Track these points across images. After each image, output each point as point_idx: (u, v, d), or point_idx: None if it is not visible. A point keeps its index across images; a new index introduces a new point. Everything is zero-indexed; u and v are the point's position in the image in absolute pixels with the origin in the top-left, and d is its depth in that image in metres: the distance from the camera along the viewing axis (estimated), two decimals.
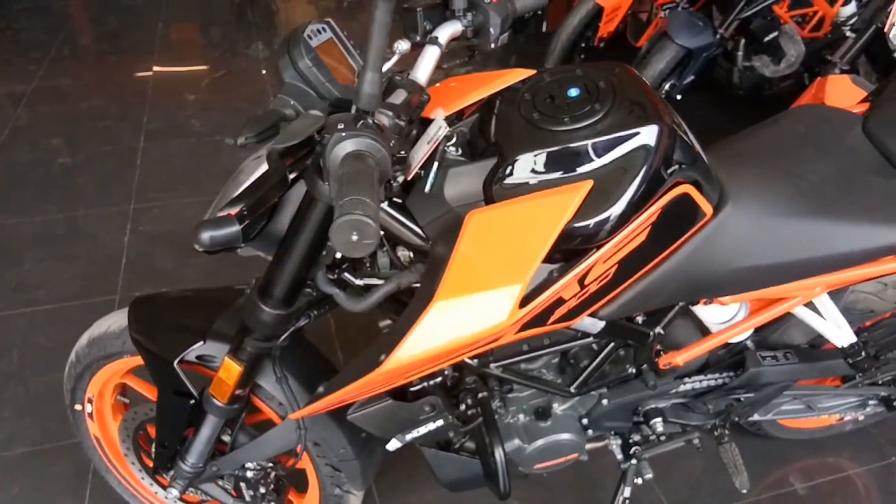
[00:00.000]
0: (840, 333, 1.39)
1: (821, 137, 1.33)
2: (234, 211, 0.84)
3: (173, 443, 1.34)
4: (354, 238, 0.65)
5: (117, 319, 1.39)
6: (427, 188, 1.07)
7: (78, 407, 1.51)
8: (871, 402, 1.68)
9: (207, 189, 3.09)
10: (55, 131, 3.52)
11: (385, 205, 1.07)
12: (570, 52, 4.04)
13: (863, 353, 1.43)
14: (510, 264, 0.98)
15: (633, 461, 1.54)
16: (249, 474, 1.39)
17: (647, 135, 1.03)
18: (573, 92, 1.08)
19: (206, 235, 0.76)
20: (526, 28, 4.76)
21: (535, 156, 1.03)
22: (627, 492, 1.59)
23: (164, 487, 1.57)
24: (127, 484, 1.63)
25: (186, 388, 1.27)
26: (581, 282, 1.06)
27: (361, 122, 0.81)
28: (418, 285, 1.09)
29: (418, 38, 1.11)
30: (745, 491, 1.49)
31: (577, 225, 0.99)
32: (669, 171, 1.05)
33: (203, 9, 5.38)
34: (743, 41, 3.44)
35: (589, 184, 1.00)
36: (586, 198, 0.99)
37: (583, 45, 4.11)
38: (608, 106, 1.05)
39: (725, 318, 1.42)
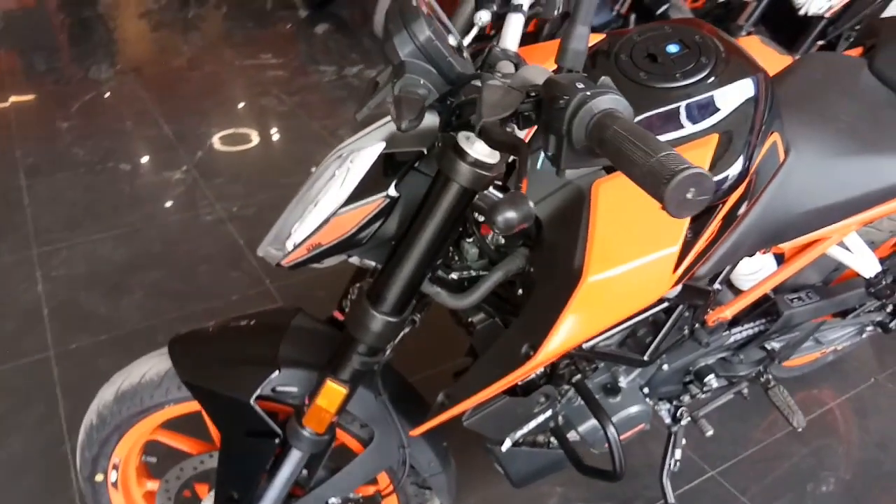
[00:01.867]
0: (868, 265, 1.48)
1: (838, 81, 1.40)
2: (522, 187, 0.71)
3: (247, 492, 1.18)
4: (690, 195, 0.58)
5: (152, 366, 1.20)
6: (539, 164, 1.01)
7: (99, 478, 1.29)
8: (867, 328, 1.80)
9: (116, 221, 2.79)
10: None
11: (490, 189, 1.00)
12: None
13: (883, 281, 1.53)
14: (659, 228, 0.94)
15: (683, 423, 1.56)
16: None
17: (753, 86, 1.03)
18: (673, 48, 1.05)
19: (502, 217, 0.65)
20: None
21: (651, 116, 1.00)
22: (678, 454, 1.60)
23: None
24: None
25: (268, 426, 1.12)
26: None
27: (594, 81, 0.72)
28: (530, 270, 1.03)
29: (497, 8, 1.05)
30: (800, 429, 1.55)
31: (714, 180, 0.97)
32: (767, 120, 1.06)
33: (33, 34, 4.89)
34: (634, 16, 3.60)
35: (715, 138, 0.98)
36: (714, 152, 0.98)
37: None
38: (713, 59, 1.03)
39: (754, 270, 1.46)
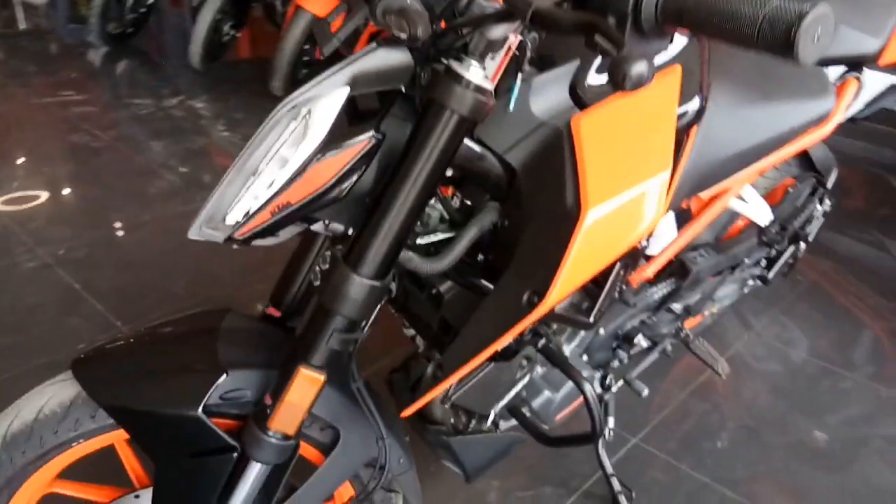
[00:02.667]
0: (763, 213, 1.58)
1: None
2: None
3: None
4: (818, 35, 0.54)
5: (51, 395, 0.96)
6: (511, 105, 0.94)
7: None
8: (749, 282, 1.93)
9: None
10: None
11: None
12: (295, 69, 3.94)
13: (774, 229, 1.65)
14: (649, 154, 0.92)
15: (614, 389, 1.56)
16: None
17: None
18: None
19: (635, 72, 0.56)
20: (224, 53, 4.51)
21: None
22: (611, 422, 1.60)
23: None
24: None
25: (221, 439, 0.94)
26: None
27: None
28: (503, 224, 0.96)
29: None
30: (724, 376, 1.61)
31: (680, 110, 0.97)
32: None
33: None
34: None
35: (679, 68, 0.98)
36: (681, 82, 0.98)
37: (305, 59, 4.03)
38: None
39: (659, 232, 1.51)
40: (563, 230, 0.88)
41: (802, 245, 1.89)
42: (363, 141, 0.85)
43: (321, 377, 0.90)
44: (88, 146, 3.45)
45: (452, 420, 1.39)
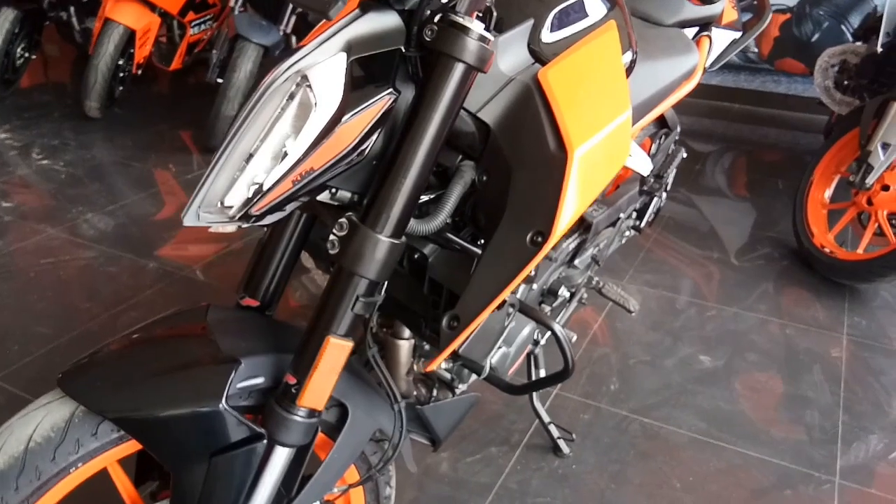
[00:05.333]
0: (645, 164, 1.77)
1: None
2: None
3: None
4: None
5: (41, 419, 0.87)
6: None
7: None
8: (626, 233, 2.14)
9: None
10: None
11: None
12: (111, 84, 3.68)
13: (652, 179, 1.85)
14: (610, 98, 1.02)
15: (542, 342, 1.68)
16: None
17: None
18: None
19: None
20: (18, 77, 4.09)
21: (564, 8, 1.07)
22: (542, 373, 1.71)
23: None
24: None
25: (249, 429, 0.90)
26: None
27: None
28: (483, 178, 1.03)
29: None
30: (634, 312, 1.77)
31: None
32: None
33: None
34: (294, 38, 3.66)
35: (614, 24, 1.09)
36: (619, 36, 1.09)
37: (121, 74, 3.78)
38: None
39: None
40: (554, 173, 0.95)
41: (664, 194, 2.14)
42: (384, 99, 0.87)
43: (349, 344, 0.90)
44: None
45: (415, 393, 1.42)
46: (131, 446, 0.92)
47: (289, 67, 0.84)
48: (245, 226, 0.88)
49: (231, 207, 0.87)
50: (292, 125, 0.84)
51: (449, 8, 0.86)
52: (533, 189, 0.97)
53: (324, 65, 0.84)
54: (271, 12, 3.50)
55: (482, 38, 0.84)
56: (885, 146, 2.32)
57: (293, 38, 3.67)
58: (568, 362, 1.26)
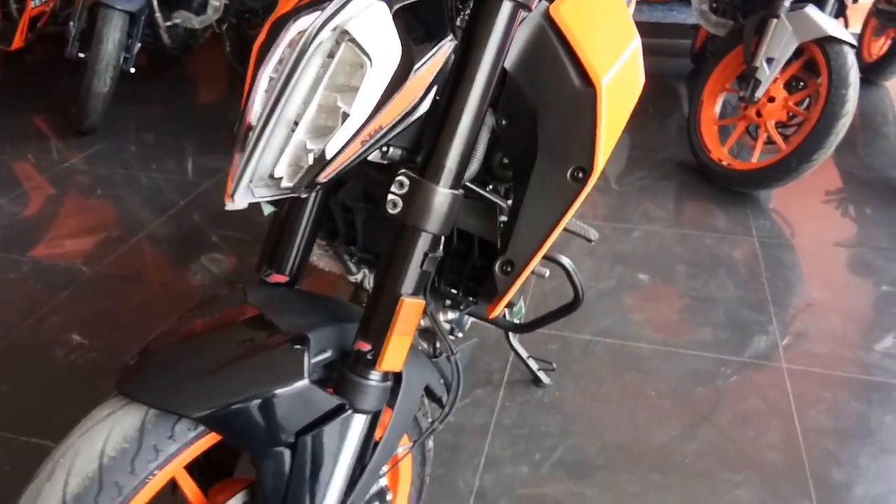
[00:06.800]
0: None
1: None
2: None
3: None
4: None
5: (109, 430, 0.79)
6: None
7: None
8: None
9: None
10: None
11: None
12: None
13: None
14: (620, 28, 1.04)
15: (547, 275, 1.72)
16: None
17: None
18: None
19: None
20: None
21: None
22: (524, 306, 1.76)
23: None
24: None
25: (331, 401, 0.87)
26: None
27: None
28: None
29: None
30: (594, 241, 1.85)
31: None
32: None
33: None
34: (155, 2, 3.38)
35: None
36: None
37: None
38: None
39: None
40: (585, 107, 0.97)
41: None
42: (446, 46, 0.84)
43: (422, 302, 0.89)
44: None
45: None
46: (201, 447, 0.87)
47: (323, 24, 0.79)
48: (303, 195, 0.83)
49: (281, 178, 0.82)
50: (341, 85, 0.80)
51: None
52: (565, 126, 0.98)
53: (365, 17, 0.80)
54: None
55: None
56: (770, 60, 2.53)
57: (154, 2, 3.39)
58: (578, 293, 1.30)
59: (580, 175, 0.98)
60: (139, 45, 3.21)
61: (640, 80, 1.07)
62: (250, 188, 0.82)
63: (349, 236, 1.30)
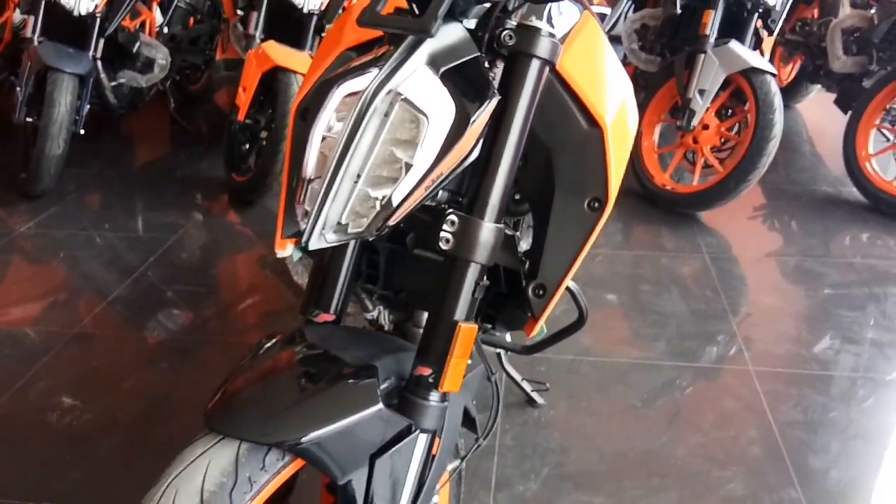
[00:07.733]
0: None
1: None
2: None
3: None
4: None
5: (205, 465, 0.84)
6: None
7: None
8: None
9: None
10: None
11: None
12: None
13: None
14: (612, 74, 1.18)
15: None
16: None
17: None
18: None
19: None
20: None
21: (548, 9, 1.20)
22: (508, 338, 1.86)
23: None
24: None
25: (402, 422, 0.95)
26: None
27: None
28: None
29: None
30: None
31: None
32: None
33: None
34: (100, 63, 3.38)
35: (589, 14, 1.25)
36: None
37: None
38: None
39: None
40: (594, 147, 1.09)
41: None
42: (493, 101, 0.94)
43: (476, 326, 0.98)
44: None
45: None
46: (285, 476, 0.93)
47: (377, 88, 0.88)
48: (371, 238, 0.92)
49: (348, 225, 0.91)
50: (395, 139, 0.89)
51: (512, 12, 0.96)
52: (578, 163, 1.11)
53: (414, 80, 0.90)
54: (74, 38, 3.22)
55: (551, 35, 0.96)
56: (701, 92, 2.77)
57: (99, 63, 3.38)
58: (582, 312, 1.42)
59: (596, 205, 1.10)
60: (88, 106, 3.20)
61: (635, 116, 1.20)
62: (323, 234, 0.90)
63: (370, 275, 1.38)
